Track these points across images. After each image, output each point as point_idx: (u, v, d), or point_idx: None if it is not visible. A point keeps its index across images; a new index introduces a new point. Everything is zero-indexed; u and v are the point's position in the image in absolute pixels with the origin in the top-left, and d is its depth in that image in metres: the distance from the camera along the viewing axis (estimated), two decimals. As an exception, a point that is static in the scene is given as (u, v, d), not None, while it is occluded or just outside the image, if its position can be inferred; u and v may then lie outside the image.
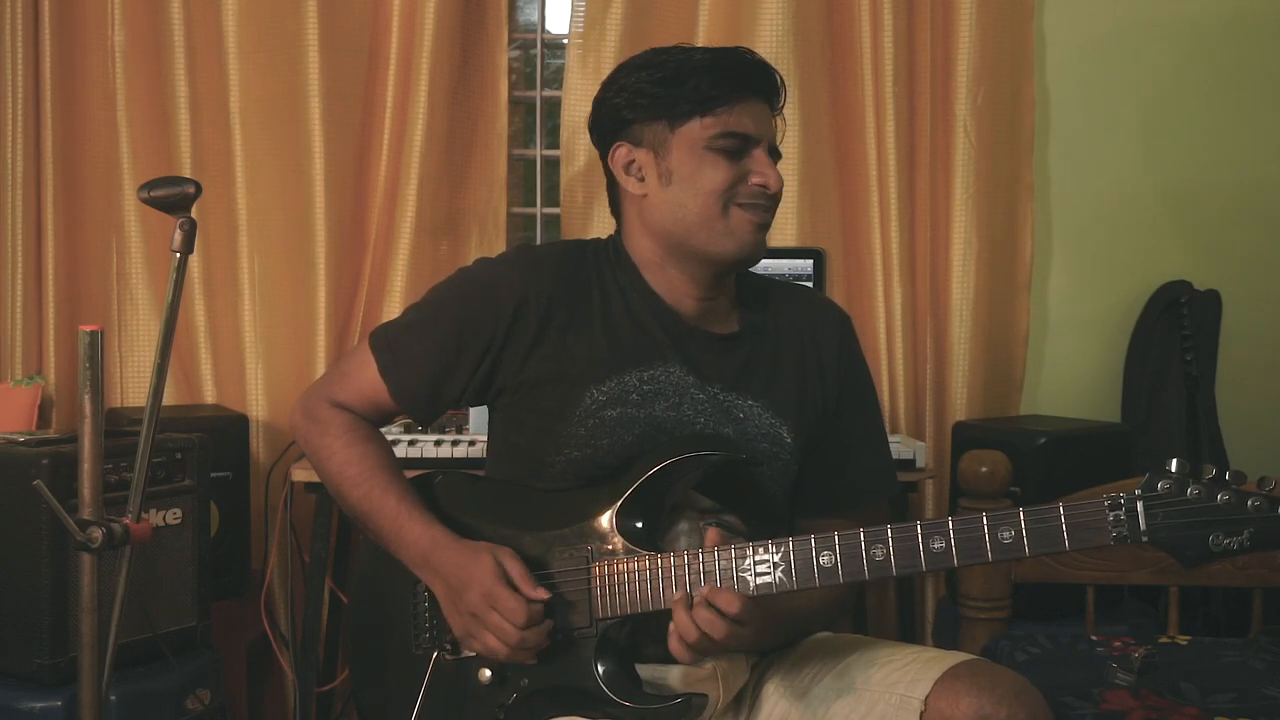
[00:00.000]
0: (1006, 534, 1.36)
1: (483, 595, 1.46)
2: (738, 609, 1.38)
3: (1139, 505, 1.33)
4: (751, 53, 1.61)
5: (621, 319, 1.60)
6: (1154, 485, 1.33)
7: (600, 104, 1.65)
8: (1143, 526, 1.32)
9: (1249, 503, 1.30)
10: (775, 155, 1.61)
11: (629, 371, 1.57)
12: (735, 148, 1.55)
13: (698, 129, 1.55)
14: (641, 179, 1.60)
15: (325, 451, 1.65)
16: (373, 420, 1.69)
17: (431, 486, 1.64)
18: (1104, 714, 1.73)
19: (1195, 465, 1.33)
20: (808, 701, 1.54)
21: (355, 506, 1.61)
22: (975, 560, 1.37)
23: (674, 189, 1.57)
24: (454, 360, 1.61)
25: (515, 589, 1.46)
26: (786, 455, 1.62)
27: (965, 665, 1.47)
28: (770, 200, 1.58)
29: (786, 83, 1.65)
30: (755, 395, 1.62)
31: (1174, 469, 1.32)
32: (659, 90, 1.57)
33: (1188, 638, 2.04)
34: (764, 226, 1.58)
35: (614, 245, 1.67)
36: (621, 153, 1.61)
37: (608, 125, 1.63)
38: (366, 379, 1.65)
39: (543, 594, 1.47)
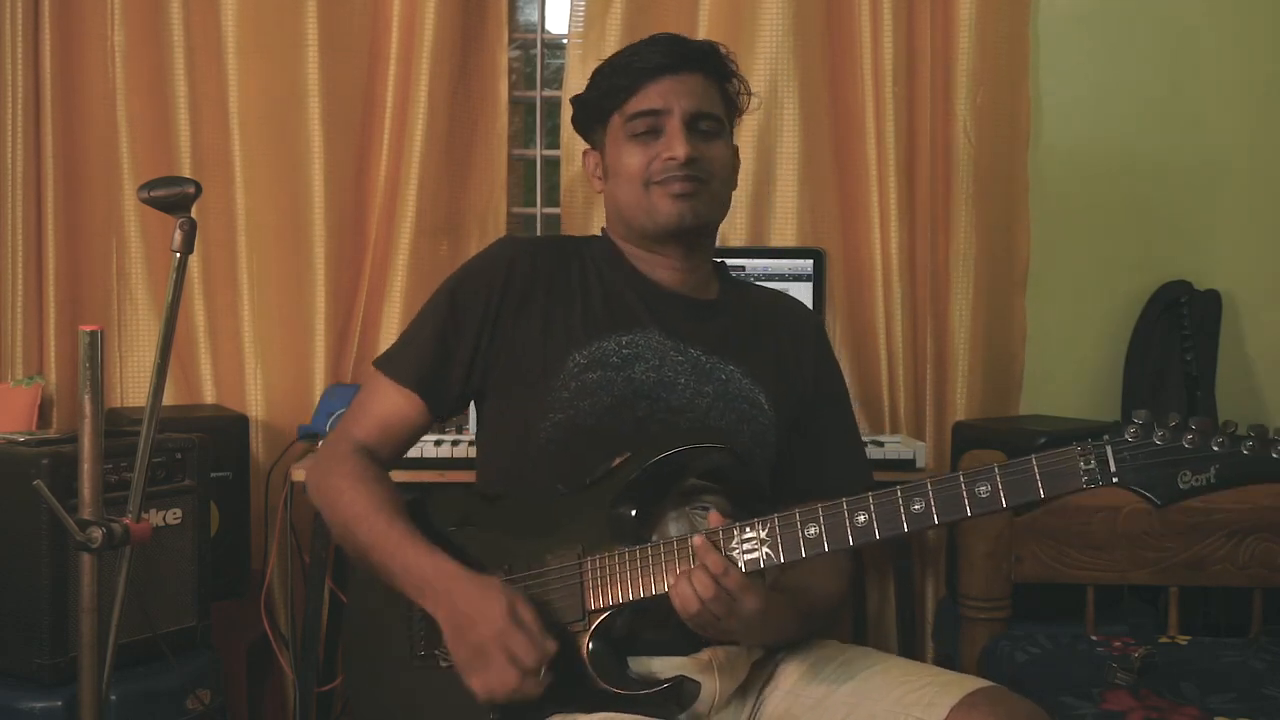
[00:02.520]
0: (984, 489, 1.39)
1: (496, 633, 1.45)
2: (736, 581, 1.41)
3: (1108, 450, 1.36)
4: (672, 37, 1.69)
5: (600, 289, 1.69)
6: (1122, 432, 1.36)
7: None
8: (1113, 469, 1.36)
9: (1214, 442, 1.34)
10: (705, 121, 1.66)
11: (608, 336, 1.63)
12: (647, 128, 1.65)
13: (618, 122, 1.68)
14: (600, 177, 1.74)
15: (334, 492, 1.64)
16: (391, 449, 1.70)
17: (421, 506, 1.64)
18: (1104, 714, 1.73)
19: (1160, 414, 1.36)
20: (819, 713, 1.54)
21: (361, 542, 1.60)
22: (955, 516, 1.40)
23: (612, 181, 1.71)
24: (453, 333, 1.66)
25: (528, 634, 1.46)
26: (765, 420, 1.66)
27: (983, 693, 1.46)
28: (685, 168, 1.62)
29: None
30: (735, 361, 1.67)
31: (1140, 418, 1.36)
32: (592, 95, 1.72)
33: (1188, 638, 2.04)
34: (684, 195, 1.64)
35: (603, 233, 1.77)
36: (589, 159, 1.76)
37: (581, 135, 1.78)
38: (377, 401, 1.69)
39: (553, 646, 1.46)
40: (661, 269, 1.70)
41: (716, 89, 1.69)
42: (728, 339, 1.69)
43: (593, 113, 1.72)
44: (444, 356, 1.66)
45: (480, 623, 1.47)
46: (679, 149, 1.61)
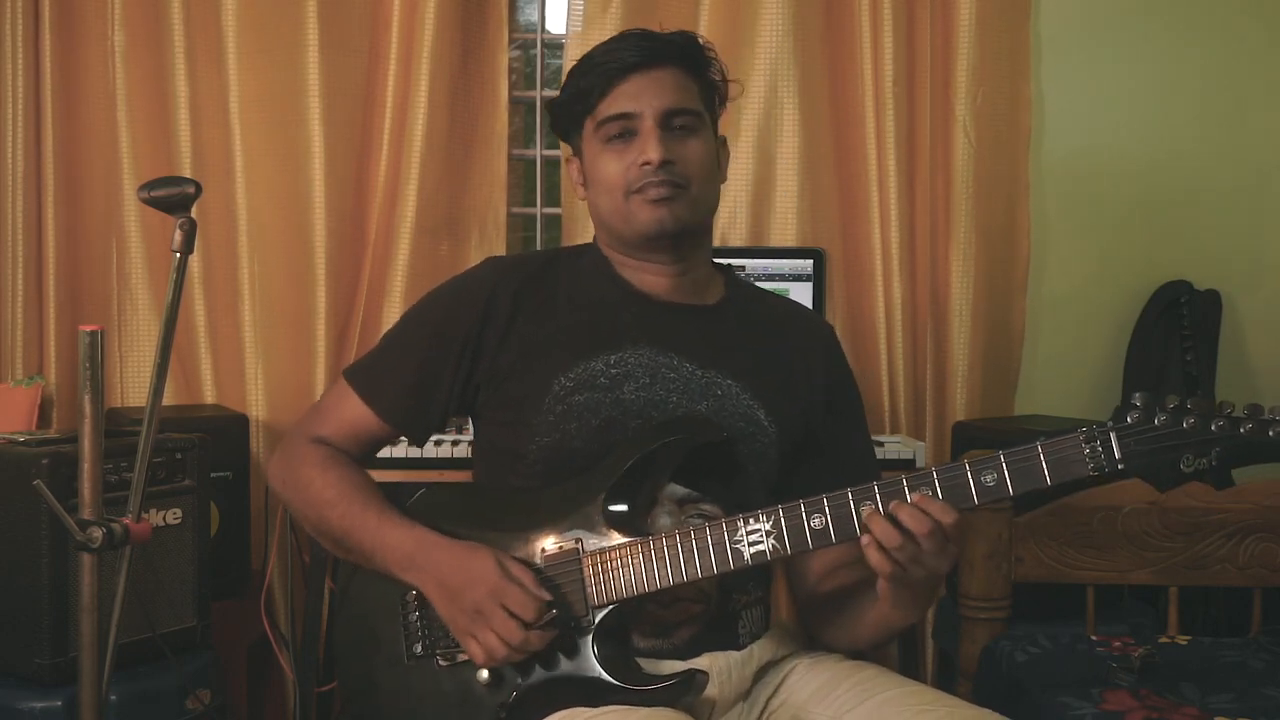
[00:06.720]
0: (990, 477, 1.39)
1: (490, 592, 1.45)
2: (953, 519, 1.37)
3: (1112, 436, 1.36)
4: (641, 32, 1.63)
5: (587, 307, 1.64)
6: (1123, 417, 1.37)
7: None
8: (1118, 455, 1.36)
9: (1213, 425, 1.34)
10: (680, 118, 1.59)
11: (596, 357, 1.59)
12: (620, 132, 1.60)
13: (590, 127, 1.63)
14: (583, 184, 1.69)
15: (303, 482, 1.61)
16: (358, 453, 1.67)
17: (410, 503, 1.63)
18: (1104, 714, 1.72)
19: (1159, 396, 1.37)
20: None
21: (335, 527, 1.58)
22: (962, 505, 1.40)
23: (592, 190, 1.66)
24: (435, 365, 1.62)
25: (522, 587, 1.46)
26: (765, 439, 1.61)
27: None
28: (660, 171, 1.56)
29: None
30: (734, 375, 1.62)
31: (1139, 401, 1.36)
32: (564, 98, 1.66)
33: (1188, 638, 2.04)
34: (663, 200, 1.58)
35: (594, 242, 1.73)
36: (572, 168, 1.71)
37: (562, 140, 1.73)
38: (346, 409, 1.65)
39: (546, 595, 1.46)
40: (652, 276, 1.65)
41: (694, 82, 1.62)
42: (725, 350, 1.63)
43: (568, 117, 1.66)
44: (425, 394, 1.63)
45: (472, 584, 1.46)
46: (652, 153, 1.56)
